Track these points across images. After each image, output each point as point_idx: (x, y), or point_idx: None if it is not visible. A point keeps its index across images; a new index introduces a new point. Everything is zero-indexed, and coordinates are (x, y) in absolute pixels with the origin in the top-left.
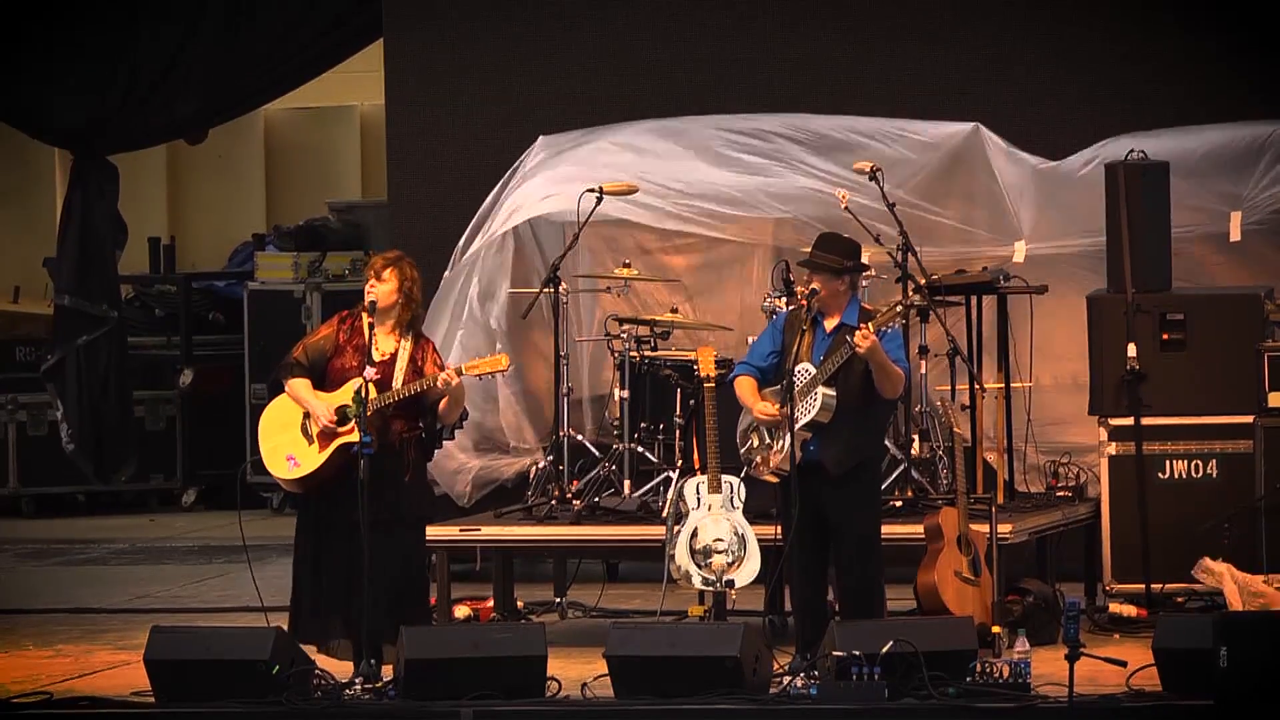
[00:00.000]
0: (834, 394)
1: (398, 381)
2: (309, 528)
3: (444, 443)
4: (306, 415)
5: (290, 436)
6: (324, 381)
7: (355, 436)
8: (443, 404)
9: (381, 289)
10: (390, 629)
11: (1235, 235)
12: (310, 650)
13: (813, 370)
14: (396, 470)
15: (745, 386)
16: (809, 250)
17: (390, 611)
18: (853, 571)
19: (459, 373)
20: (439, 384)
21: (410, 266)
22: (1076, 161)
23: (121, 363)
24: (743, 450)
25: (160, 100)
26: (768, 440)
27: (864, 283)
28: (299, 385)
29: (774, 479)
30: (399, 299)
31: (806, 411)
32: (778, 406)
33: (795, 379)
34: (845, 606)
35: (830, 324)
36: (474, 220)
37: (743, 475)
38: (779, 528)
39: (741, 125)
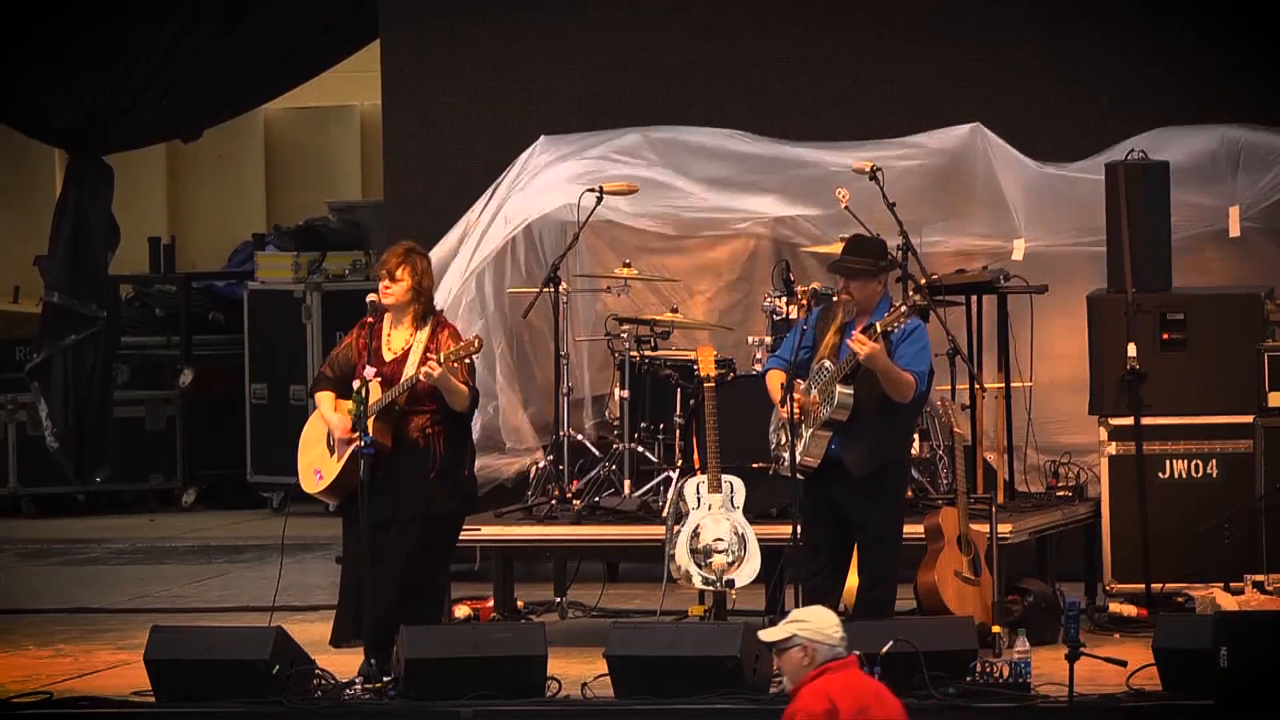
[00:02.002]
0: (850, 392)
1: (407, 374)
2: (347, 531)
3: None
4: None
5: (318, 451)
6: (350, 390)
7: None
8: (444, 395)
9: (397, 288)
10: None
11: (1235, 231)
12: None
13: (831, 367)
14: (421, 468)
15: (774, 381)
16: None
17: (403, 610)
18: (871, 571)
19: (439, 363)
20: (421, 377)
21: (421, 258)
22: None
23: (108, 364)
24: (773, 446)
25: (155, 100)
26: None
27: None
28: (321, 399)
29: (803, 477)
30: (412, 294)
31: (824, 409)
32: (801, 399)
33: (815, 377)
34: (860, 606)
35: (860, 323)
36: (466, 216)
37: (771, 472)
38: (780, 527)
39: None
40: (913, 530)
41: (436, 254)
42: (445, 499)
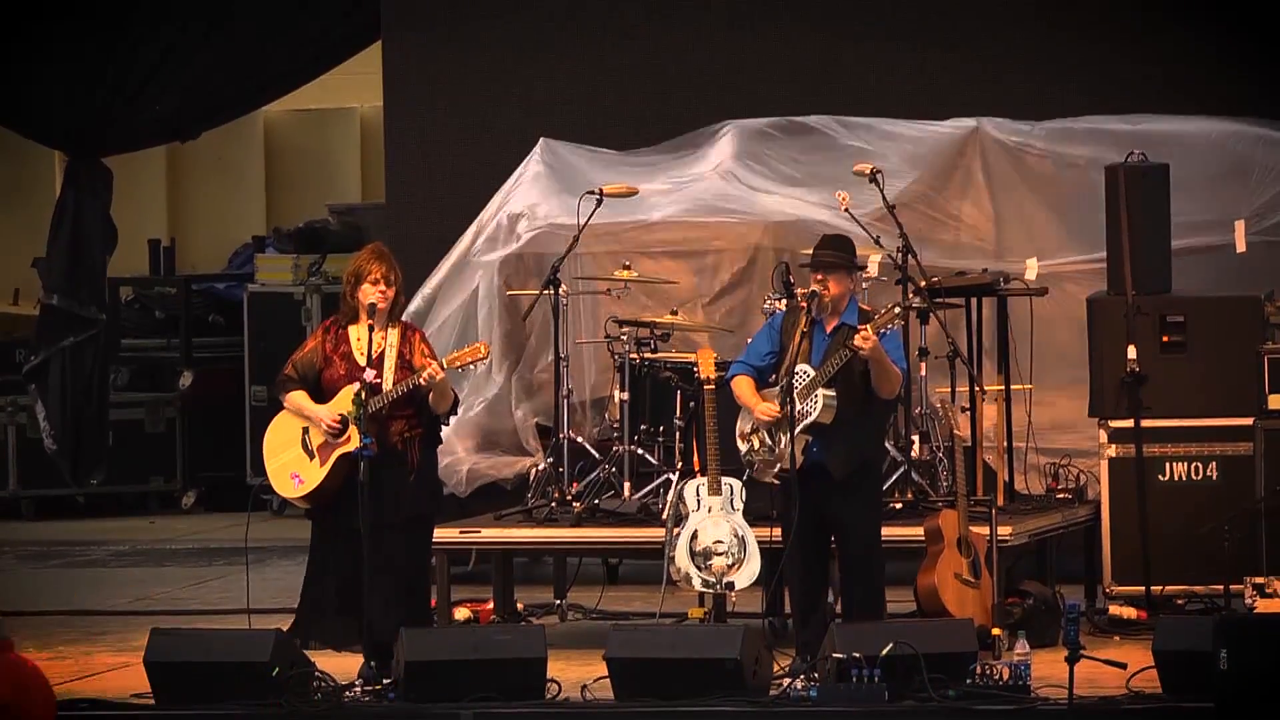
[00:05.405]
0: (834, 395)
1: (387, 377)
2: (319, 534)
3: (443, 439)
4: (306, 430)
5: (293, 454)
6: (319, 395)
7: (354, 445)
8: (431, 397)
9: (390, 293)
10: (396, 631)
11: (1241, 246)
12: (319, 653)
13: (812, 372)
14: (400, 473)
15: (745, 386)
16: (809, 253)
17: (394, 613)
18: (859, 574)
19: (442, 367)
20: (424, 380)
21: (395, 260)
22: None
23: (105, 366)
24: (744, 452)
25: (153, 101)
26: (769, 442)
27: (864, 285)
28: (297, 398)
29: (776, 481)
30: (394, 296)
31: (807, 413)
32: (775, 405)
33: (794, 380)
34: (851, 608)
35: (829, 325)
36: (479, 220)
37: (744, 478)
38: (777, 530)
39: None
40: (912, 533)
41: (451, 257)
42: (425, 503)
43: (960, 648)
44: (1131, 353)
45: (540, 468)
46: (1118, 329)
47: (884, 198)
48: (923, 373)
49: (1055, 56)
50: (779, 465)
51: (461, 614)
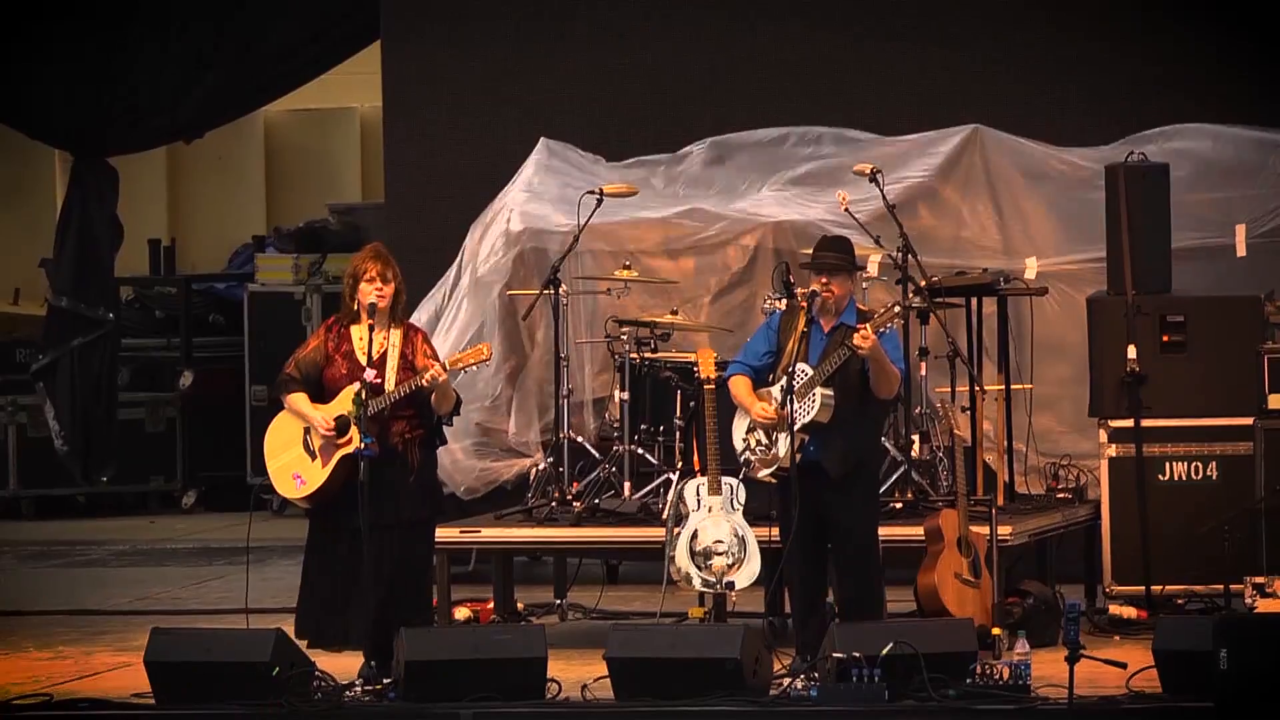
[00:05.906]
0: (832, 394)
1: (389, 378)
2: (317, 533)
3: (445, 440)
4: (308, 430)
5: (295, 454)
6: (321, 393)
7: (355, 446)
8: (433, 398)
9: (388, 291)
10: (395, 631)
11: (1241, 251)
12: (319, 653)
13: (810, 371)
14: (401, 474)
15: (741, 386)
16: (808, 253)
17: (394, 614)
18: (854, 573)
19: (444, 368)
20: (425, 381)
21: (394, 260)
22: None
23: (114, 366)
24: (740, 450)
25: (154, 102)
26: (765, 441)
27: (864, 285)
28: (297, 400)
29: (772, 480)
30: (394, 296)
31: (805, 412)
32: (775, 407)
33: (793, 379)
34: (847, 608)
35: (827, 325)
36: (481, 219)
37: (740, 476)
38: (777, 530)
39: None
40: (913, 533)
41: (453, 260)
42: (423, 506)
43: (960, 647)
44: (1131, 353)
45: (540, 467)
46: (1118, 329)
47: (884, 197)
48: (923, 373)
49: (1055, 56)
50: (775, 464)
51: (461, 614)
